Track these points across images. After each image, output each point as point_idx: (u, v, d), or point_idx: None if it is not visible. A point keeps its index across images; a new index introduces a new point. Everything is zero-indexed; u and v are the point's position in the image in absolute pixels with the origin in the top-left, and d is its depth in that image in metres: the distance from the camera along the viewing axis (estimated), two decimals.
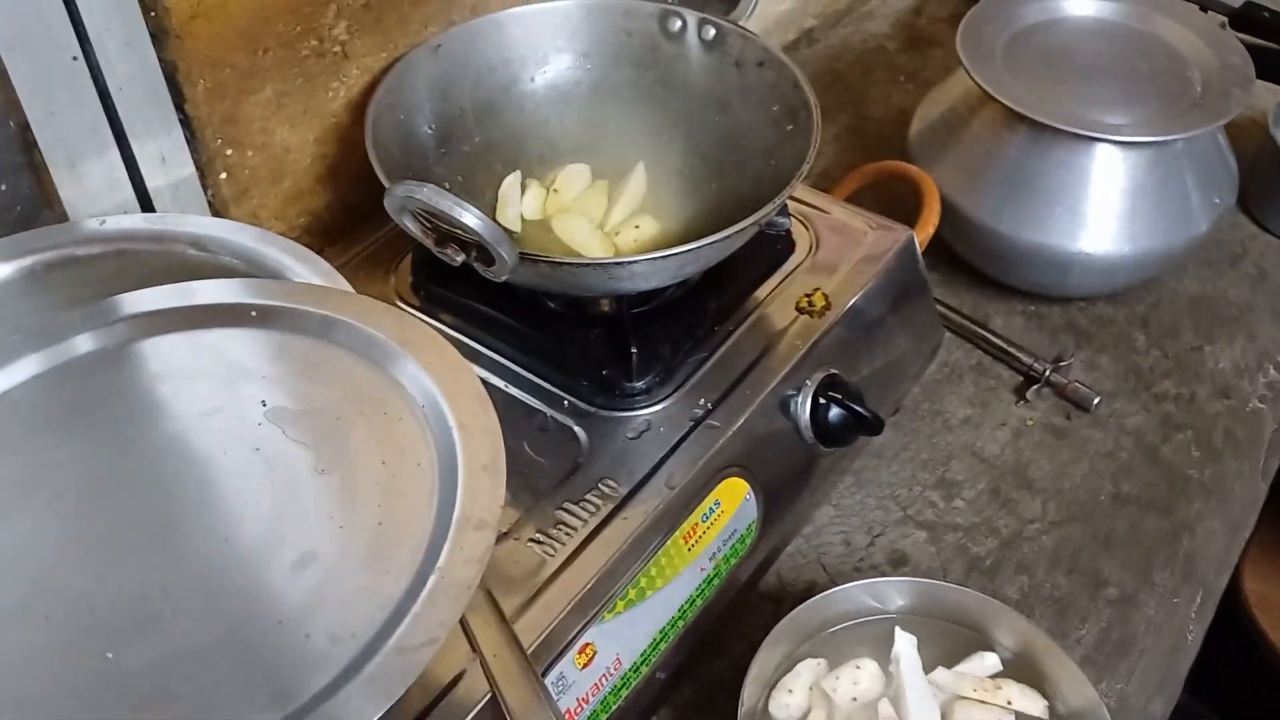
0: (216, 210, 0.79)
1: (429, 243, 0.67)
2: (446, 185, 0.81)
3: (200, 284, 0.54)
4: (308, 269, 0.56)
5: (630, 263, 0.68)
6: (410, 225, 0.66)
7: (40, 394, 0.50)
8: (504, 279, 0.67)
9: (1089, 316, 1.04)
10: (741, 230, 0.70)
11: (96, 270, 0.57)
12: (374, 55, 0.84)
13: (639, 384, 0.75)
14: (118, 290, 0.55)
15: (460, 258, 0.67)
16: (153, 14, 0.69)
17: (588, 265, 0.70)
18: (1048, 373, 0.97)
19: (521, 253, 0.66)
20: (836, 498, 0.88)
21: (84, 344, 0.51)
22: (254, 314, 0.53)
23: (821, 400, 0.78)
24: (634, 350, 0.74)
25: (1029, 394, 0.97)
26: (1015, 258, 1.00)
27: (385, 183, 0.70)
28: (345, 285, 0.56)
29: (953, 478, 0.91)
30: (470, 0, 0.90)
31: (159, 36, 0.70)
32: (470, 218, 0.61)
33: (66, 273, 0.57)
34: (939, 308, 0.98)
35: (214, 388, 0.50)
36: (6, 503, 0.46)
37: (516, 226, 0.83)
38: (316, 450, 0.48)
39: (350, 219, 0.89)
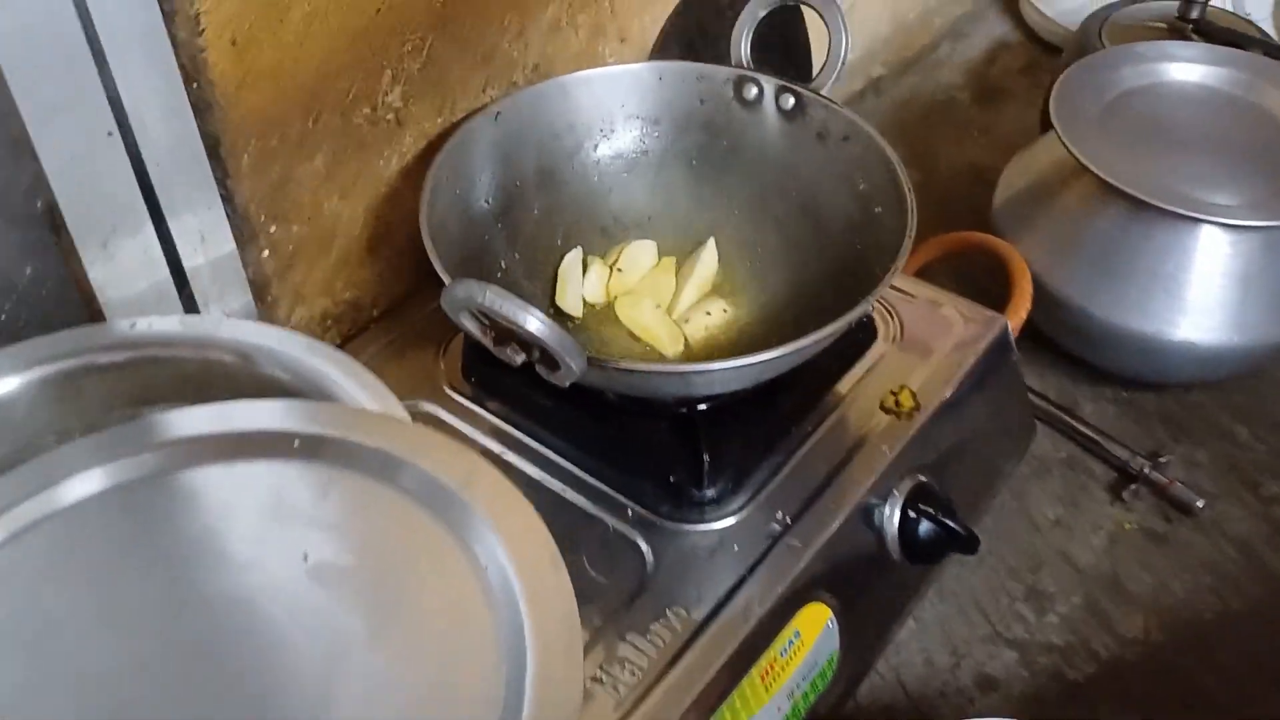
0: (257, 287, 0.73)
1: (487, 342, 0.61)
2: (503, 265, 0.76)
3: (238, 406, 0.48)
4: (358, 386, 0.50)
5: (708, 371, 0.61)
6: (468, 324, 0.60)
7: (51, 538, 0.44)
8: (569, 383, 0.61)
9: (1185, 405, 0.97)
10: (831, 334, 0.63)
11: (123, 382, 0.51)
12: (430, 120, 0.78)
13: (710, 492, 0.68)
14: (146, 406, 0.49)
15: (520, 358, 0.61)
16: (195, 85, 0.63)
17: (662, 373, 0.64)
18: (1145, 470, 0.89)
19: (589, 357, 0.60)
20: (917, 608, 0.81)
21: (101, 478, 0.45)
22: (297, 444, 0.47)
23: (911, 514, 0.71)
24: (705, 456, 0.68)
25: (1125, 493, 0.89)
26: (1108, 342, 0.92)
27: (443, 276, 0.64)
28: (399, 409, 0.50)
29: (1044, 588, 0.83)
30: (532, 59, 0.84)
31: (202, 108, 0.64)
32: (534, 323, 0.55)
33: (91, 383, 0.51)
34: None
35: (251, 536, 0.44)
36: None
37: (577, 310, 0.77)
38: (365, 617, 0.42)
39: (400, 289, 0.84)
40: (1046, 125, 0.96)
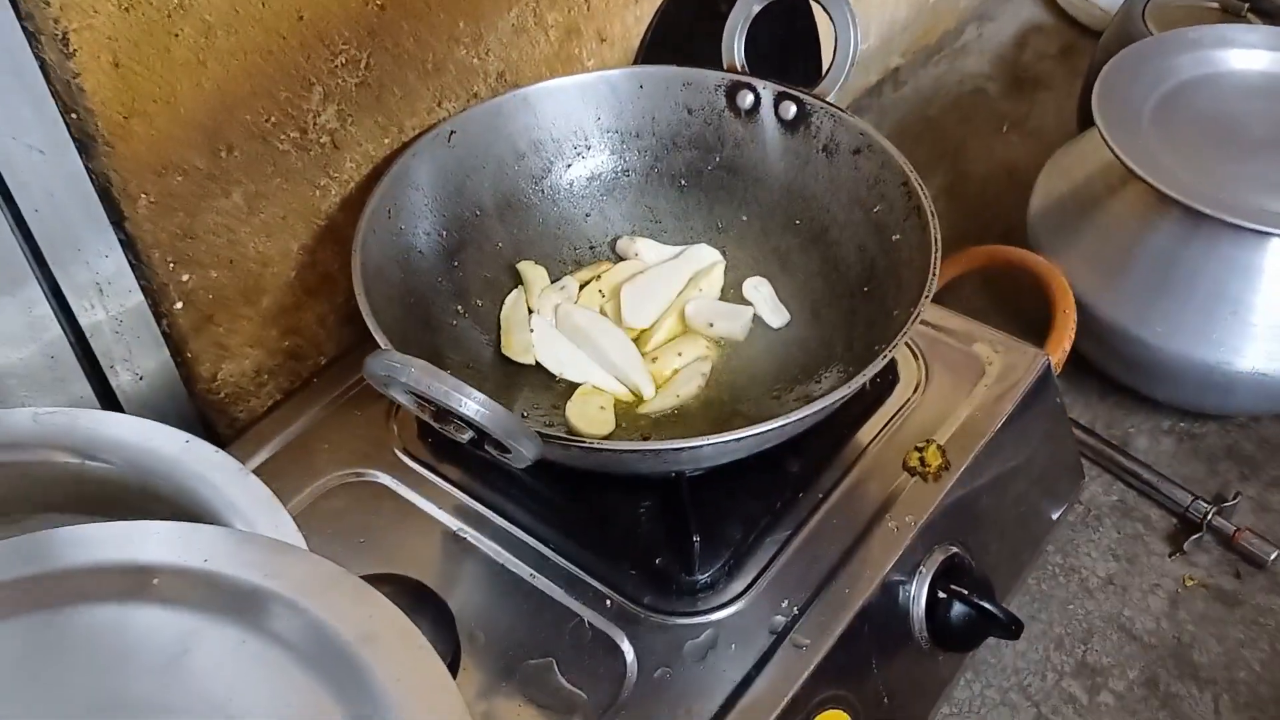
0: (173, 343, 0.63)
1: (425, 417, 0.51)
2: (459, 310, 0.66)
3: (80, 533, 0.37)
4: (244, 497, 0.40)
5: (692, 448, 0.51)
6: (401, 398, 0.50)
7: None
8: (524, 467, 0.50)
9: (1254, 439, 0.85)
10: (842, 397, 0.52)
11: None
12: (374, 141, 0.68)
13: (702, 577, 0.58)
14: None
15: (467, 435, 0.51)
16: (74, 115, 0.53)
17: (636, 451, 0.53)
18: (1209, 516, 0.78)
19: (543, 435, 0.49)
20: (949, 690, 0.70)
21: None
22: (155, 581, 0.37)
23: (940, 594, 0.60)
24: (695, 535, 0.57)
25: (1186, 545, 0.78)
26: (1164, 372, 0.81)
27: (377, 337, 0.53)
28: (290, 528, 0.39)
29: (1096, 661, 0.72)
30: (495, 66, 0.73)
31: (85, 143, 0.54)
32: (472, 406, 0.45)
33: None
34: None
35: (87, 712, 0.34)
36: None
37: (528, 358, 0.65)
38: None
39: (349, 335, 0.73)
40: (1087, 119, 0.85)
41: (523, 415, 0.63)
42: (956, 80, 1.24)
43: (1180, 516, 0.80)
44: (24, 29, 0.50)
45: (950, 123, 1.18)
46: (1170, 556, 0.78)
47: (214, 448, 0.41)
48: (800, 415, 0.51)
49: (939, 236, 0.58)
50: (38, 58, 0.51)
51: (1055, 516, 0.73)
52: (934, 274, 0.56)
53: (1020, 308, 0.87)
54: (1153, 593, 0.76)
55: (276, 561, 0.37)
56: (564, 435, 0.51)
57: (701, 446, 0.50)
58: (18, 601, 0.37)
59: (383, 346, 0.52)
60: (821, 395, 0.51)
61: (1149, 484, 0.81)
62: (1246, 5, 1.02)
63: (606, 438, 0.61)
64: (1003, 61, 1.27)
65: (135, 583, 0.37)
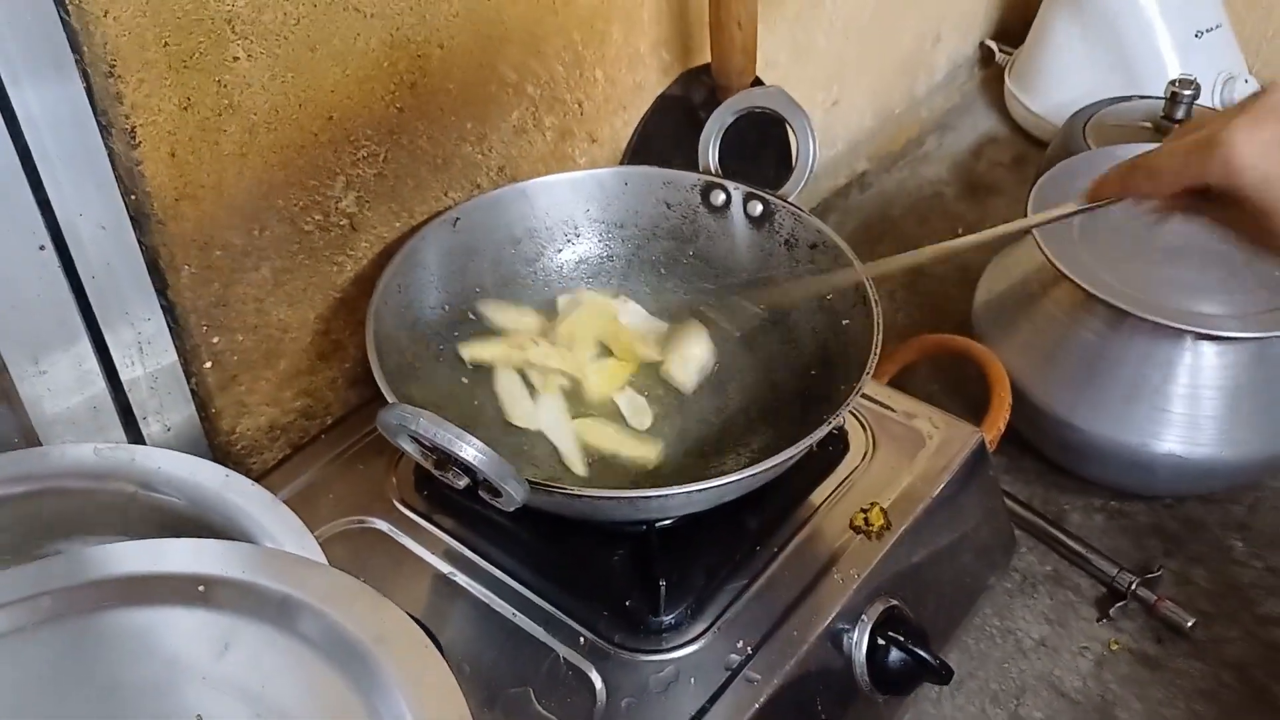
0: (200, 399, 0.70)
1: (428, 465, 0.58)
2: (462, 379, 0.73)
3: (141, 547, 0.45)
4: (276, 524, 0.47)
5: (661, 496, 0.58)
6: (407, 447, 0.57)
7: None
8: (513, 509, 0.58)
9: (1179, 517, 0.93)
10: (792, 456, 0.60)
11: (26, 513, 0.48)
12: (386, 225, 0.76)
13: (667, 618, 0.65)
14: (49, 542, 0.46)
15: (463, 482, 0.58)
16: (133, 197, 0.61)
17: (611, 499, 0.61)
18: (1133, 586, 0.85)
19: (532, 482, 0.57)
20: None
21: None
22: (201, 589, 0.44)
23: (880, 640, 0.67)
24: (662, 582, 0.64)
25: (1113, 611, 0.85)
26: (1092, 453, 0.89)
27: (387, 394, 0.61)
28: (315, 549, 0.47)
29: (1028, 715, 0.79)
30: (496, 162, 0.82)
31: (140, 220, 0.62)
32: (471, 451, 0.52)
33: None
34: (1007, 501, 0.88)
35: (144, 695, 0.41)
36: None
37: (531, 425, 0.73)
38: None
39: (355, 396, 0.81)
40: None
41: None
42: (917, 185, 1.34)
43: (1108, 585, 0.87)
44: (98, 123, 0.58)
45: (910, 223, 1.28)
46: (1098, 621, 0.85)
47: (250, 481, 0.48)
48: (753, 471, 0.58)
49: (880, 322, 0.66)
50: (107, 147, 0.59)
51: (990, 581, 0.80)
52: (875, 353, 0.64)
53: (966, 391, 0.95)
54: (1081, 654, 0.83)
55: (303, 574, 0.45)
56: (548, 482, 0.58)
57: (668, 495, 0.58)
58: (89, 600, 0.44)
59: (386, 393, 0.60)
60: (775, 453, 0.59)
61: (1080, 555, 0.88)
62: (1176, 125, 1.12)
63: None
64: (960, 168, 1.37)
65: (187, 589, 0.44)
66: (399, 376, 0.66)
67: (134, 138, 0.59)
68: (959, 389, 0.99)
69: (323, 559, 0.47)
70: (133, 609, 0.44)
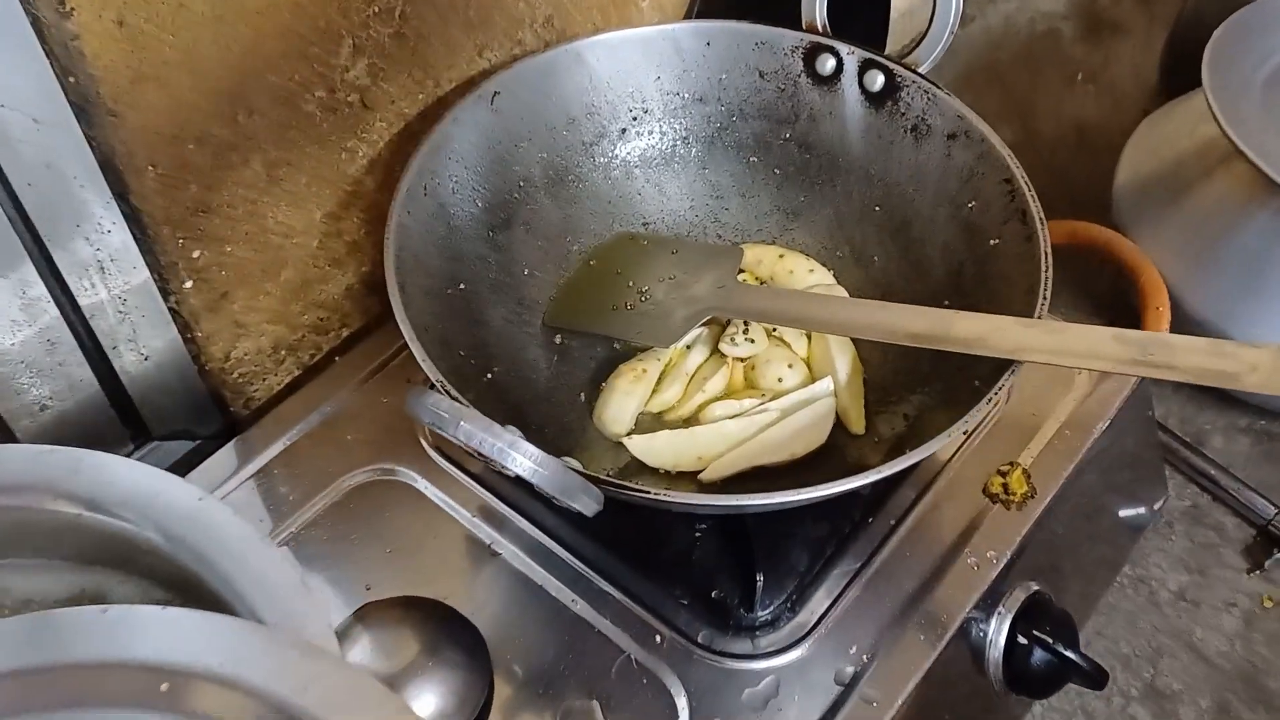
0: (182, 321, 0.57)
1: (474, 455, 0.45)
2: (506, 303, 0.59)
3: (69, 616, 0.32)
4: (262, 566, 0.34)
5: (755, 503, 0.45)
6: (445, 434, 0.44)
7: None
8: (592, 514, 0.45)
9: None
10: (923, 455, 0.46)
11: None
12: (408, 99, 0.61)
13: (764, 613, 0.53)
14: None
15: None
16: (72, 79, 0.46)
17: (710, 505, 0.47)
18: None
19: (609, 484, 0.43)
20: None
21: None
22: (164, 686, 0.31)
23: (1020, 639, 0.55)
24: (759, 569, 0.52)
25: (1268, 563, 0.72)
26: None
27: (413, 347, 0.47)
28: (321, 621, 0.34)
29: (1165, 685, 0.68)
30: (543, 12, 0.65)
31: (85, 110, 0.47)
32: (527, 465, 0.39)
33: None
34: None
35: None
36: None
37: (623, 430, 0.58)
38: None
39: (377, 305, 0.67)
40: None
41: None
42: (1028, 20, 1.15)
43: (1261, 530, 0.74)
44: None
45: (1020, 72, 1.09)
46: (1249, 573, 0.73)
47: (230, 510, 0.36)
48: (890, 471, 0.45)
49: (1049, 250, 0.51)
50: (30, 15, 0.44)
51: (1133, 540, 0.68)
52: (1044, 297, 0.49)
53: (1093, 290, 0.80)
54: (1227, 611, 0.71)
55: (307, 670, 0.32)
56: (627, 484, 0.44)
57: (770, 503, 0.44)
58: (14, 699, 0.32)
59: (426, 370, 0.46)
60: (919, 445, 0.45)
61: (1225, 490, 0.76)
62: None
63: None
64: (1079, 1, 1.17)
65: (141, 685, 0.32)
66: (430, 310, 0.52)
67: (64, 3, 0.43)
68: (1085, 286, 0.84)
69: (332, 641, 0.34)
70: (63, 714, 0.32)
